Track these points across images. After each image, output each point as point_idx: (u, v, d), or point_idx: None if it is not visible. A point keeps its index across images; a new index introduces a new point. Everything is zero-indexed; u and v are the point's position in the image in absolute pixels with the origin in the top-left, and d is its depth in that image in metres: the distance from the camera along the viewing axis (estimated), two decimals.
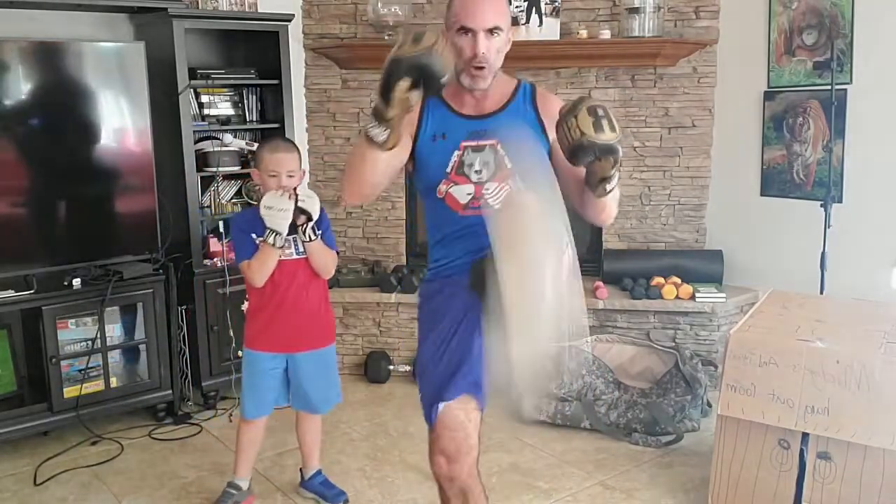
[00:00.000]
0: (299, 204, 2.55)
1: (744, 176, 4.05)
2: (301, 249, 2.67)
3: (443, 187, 1.99)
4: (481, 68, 1.89)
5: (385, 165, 1.87)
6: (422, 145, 2.00)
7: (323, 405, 2.83)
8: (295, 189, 2.58)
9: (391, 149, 1.80)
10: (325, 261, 2.69)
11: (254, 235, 2.62)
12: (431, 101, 2.00)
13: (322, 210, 2.65)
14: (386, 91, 1.67)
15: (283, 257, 2.65)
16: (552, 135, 1.85)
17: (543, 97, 2.03)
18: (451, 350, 1.99)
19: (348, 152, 1.93)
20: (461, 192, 1.99)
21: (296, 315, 2.69)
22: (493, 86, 1.96)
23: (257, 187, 3.99)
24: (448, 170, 1.98)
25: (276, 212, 2.54)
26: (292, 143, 2.76)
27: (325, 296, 2.80)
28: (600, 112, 1.68)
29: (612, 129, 1.68)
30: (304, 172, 2.72)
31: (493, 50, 1.89)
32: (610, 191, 1.81)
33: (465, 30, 1.87)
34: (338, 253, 2.78)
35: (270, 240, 2.56)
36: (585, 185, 1.84)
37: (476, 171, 1.97)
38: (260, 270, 2.61)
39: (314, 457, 2.91)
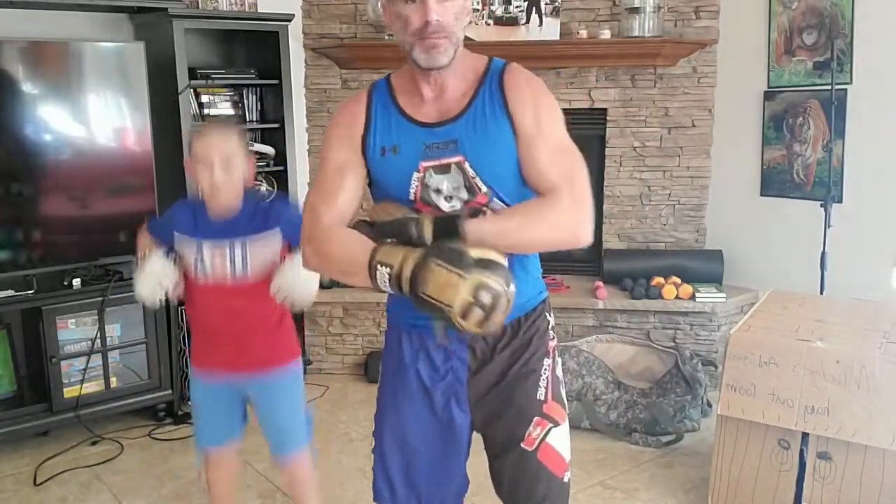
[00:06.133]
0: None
1: (744, 176, 4.05)
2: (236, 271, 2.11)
3: None
4: (437, 37, 1.46)
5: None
6: (372, 162, 1.59)
7: (280, 444, 2.24)
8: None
9: None
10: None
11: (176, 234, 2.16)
12: (379, 101, 1.60)
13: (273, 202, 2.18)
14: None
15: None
16: (522, 119, 1.52)
17: (513, 77, 1.56)
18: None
19: (338, 246, 1.52)
20: None
21: (229, 338, 2.18)
22: (456, 72, 1.54)
23: (257, 184, 4.00)
24: (411, 198, 1.56)
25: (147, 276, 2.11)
26: (231, 122, 2.23)
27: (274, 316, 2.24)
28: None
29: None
30: (251, 159, 2.14)
31: (448, 15, 1.47)
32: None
33: None
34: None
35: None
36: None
37: (446, 199, 1.55)
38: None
39: None
